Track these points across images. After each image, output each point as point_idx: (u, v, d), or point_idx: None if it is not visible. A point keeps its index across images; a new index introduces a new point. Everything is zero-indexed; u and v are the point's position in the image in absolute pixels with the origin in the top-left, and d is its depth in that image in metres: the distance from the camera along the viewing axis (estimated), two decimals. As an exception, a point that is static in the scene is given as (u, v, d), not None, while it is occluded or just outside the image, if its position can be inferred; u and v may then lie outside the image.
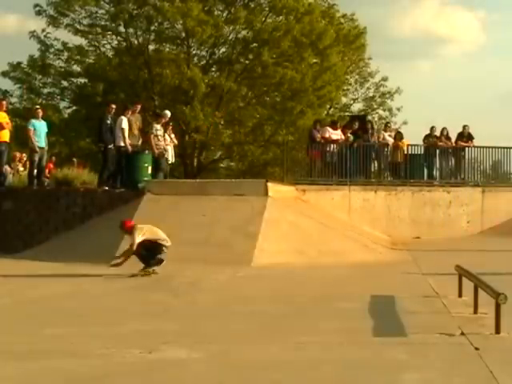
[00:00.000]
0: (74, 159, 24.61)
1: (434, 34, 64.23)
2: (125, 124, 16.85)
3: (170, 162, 18.85)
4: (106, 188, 16.74)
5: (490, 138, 22.89)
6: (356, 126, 20.78)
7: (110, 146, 16.83)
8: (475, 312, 8.59)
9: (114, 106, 17.26)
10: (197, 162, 29.66)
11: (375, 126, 23.54)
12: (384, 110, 36.01)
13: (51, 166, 21.69)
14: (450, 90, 58.79)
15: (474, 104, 53.40)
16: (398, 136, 21.05)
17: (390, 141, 20.55)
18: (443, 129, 21.25)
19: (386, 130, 21.57)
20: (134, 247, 12.04)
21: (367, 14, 51.97)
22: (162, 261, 12.29)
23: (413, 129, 38.71)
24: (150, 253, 12.15)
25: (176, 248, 13.87)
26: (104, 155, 17.04)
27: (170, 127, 18.85)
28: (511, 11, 63.40)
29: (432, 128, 21.19)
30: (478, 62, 65.03)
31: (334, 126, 20.55)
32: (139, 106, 17.87)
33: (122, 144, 16.83)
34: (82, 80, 30.31)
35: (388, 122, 25.89)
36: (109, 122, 16.88)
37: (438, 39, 65.02)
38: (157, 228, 12.48)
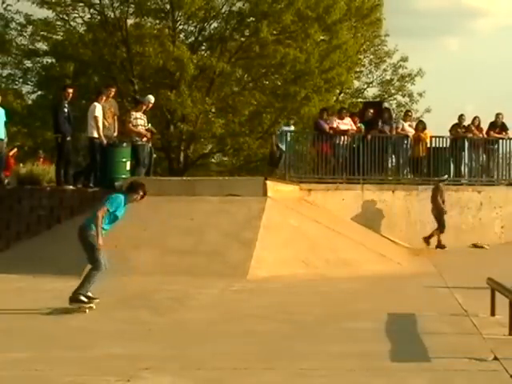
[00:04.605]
0: (41, 151, 24.62)
1: (465, 6, 64.27)
2: (98, 111, 16.87)
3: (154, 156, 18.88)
4: (70, 187, 16.76)
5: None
6: (370, 113, 20.80)
7: (68, 138, 16.96)
8: (510, 333, 8.59)
9: (70, 91, 17.38)
10: (184, 157, 29.68)
11: (393, 115, 23.54)
12: (403, 96, 36.26)
13: (12, 160, 21.67)
14: (482, 73, 58.83)
15: (509, 89, 53.44)
16: (420, 126, 21.02)
17: (411, 132, 20.56)
18: (475, 118, 21.21)
19: (405, 120, 21.54)
20: None
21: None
22: None
23: (437, 118, 38.81)
24: None
25: (159, 257, 13.88)
26: (60, 148, 17.08)
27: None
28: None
29: (461, 116, 21.19)
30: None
31: (340, 114, 20.62)
32: (113, 90, 17.94)
33: (96, 135, 16.86)
34: (49, 60, 30.35)
35: (408, 110, 25.91)
36: (66, 109, 16.97)
37: (469, 12, 65.08)
38: None
